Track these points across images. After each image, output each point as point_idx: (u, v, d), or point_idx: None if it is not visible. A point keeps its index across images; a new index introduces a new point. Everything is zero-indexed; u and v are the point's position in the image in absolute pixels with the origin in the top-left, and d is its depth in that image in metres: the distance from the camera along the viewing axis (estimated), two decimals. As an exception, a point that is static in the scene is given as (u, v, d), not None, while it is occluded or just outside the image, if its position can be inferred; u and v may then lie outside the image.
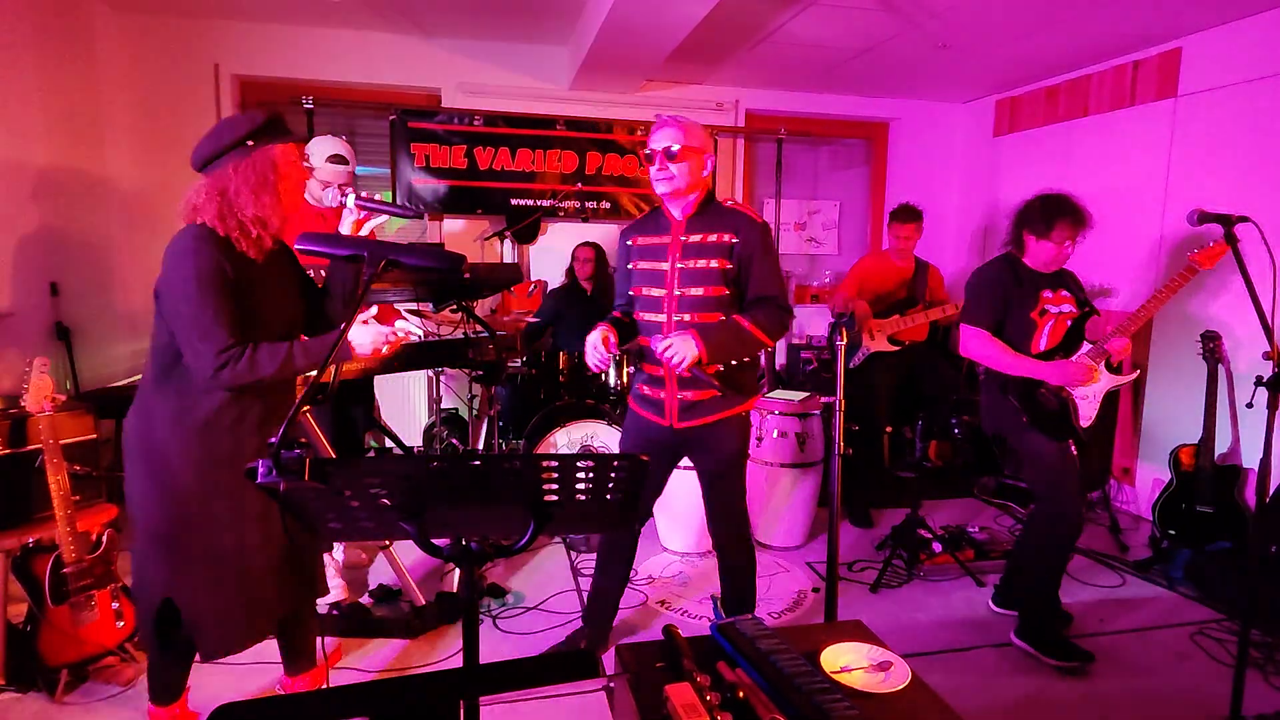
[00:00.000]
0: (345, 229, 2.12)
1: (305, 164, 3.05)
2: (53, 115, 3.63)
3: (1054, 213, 2.61)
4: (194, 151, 1.86)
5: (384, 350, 1.89)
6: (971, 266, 5.51)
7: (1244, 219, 2.17)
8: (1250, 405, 2.64)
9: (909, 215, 3.97)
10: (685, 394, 2.34)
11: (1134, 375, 2.78)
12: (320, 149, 3.04)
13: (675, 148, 2.24)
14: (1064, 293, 2.72)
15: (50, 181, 3.61)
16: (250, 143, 1.82)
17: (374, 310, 1.92)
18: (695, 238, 2.31)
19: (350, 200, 2.11)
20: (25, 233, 3.50)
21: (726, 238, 2.28)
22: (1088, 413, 2.67)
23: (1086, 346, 2.67)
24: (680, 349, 2.15)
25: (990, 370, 2.75)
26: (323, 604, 2.90)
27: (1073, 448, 2.69)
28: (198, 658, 2.02)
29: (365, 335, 1.87)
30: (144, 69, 4.17)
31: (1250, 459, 3.52)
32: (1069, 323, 2.71)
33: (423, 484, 1.10)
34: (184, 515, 1.85)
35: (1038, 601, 2.75)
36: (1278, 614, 2.86)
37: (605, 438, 3.74)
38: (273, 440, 0.98)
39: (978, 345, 2.70)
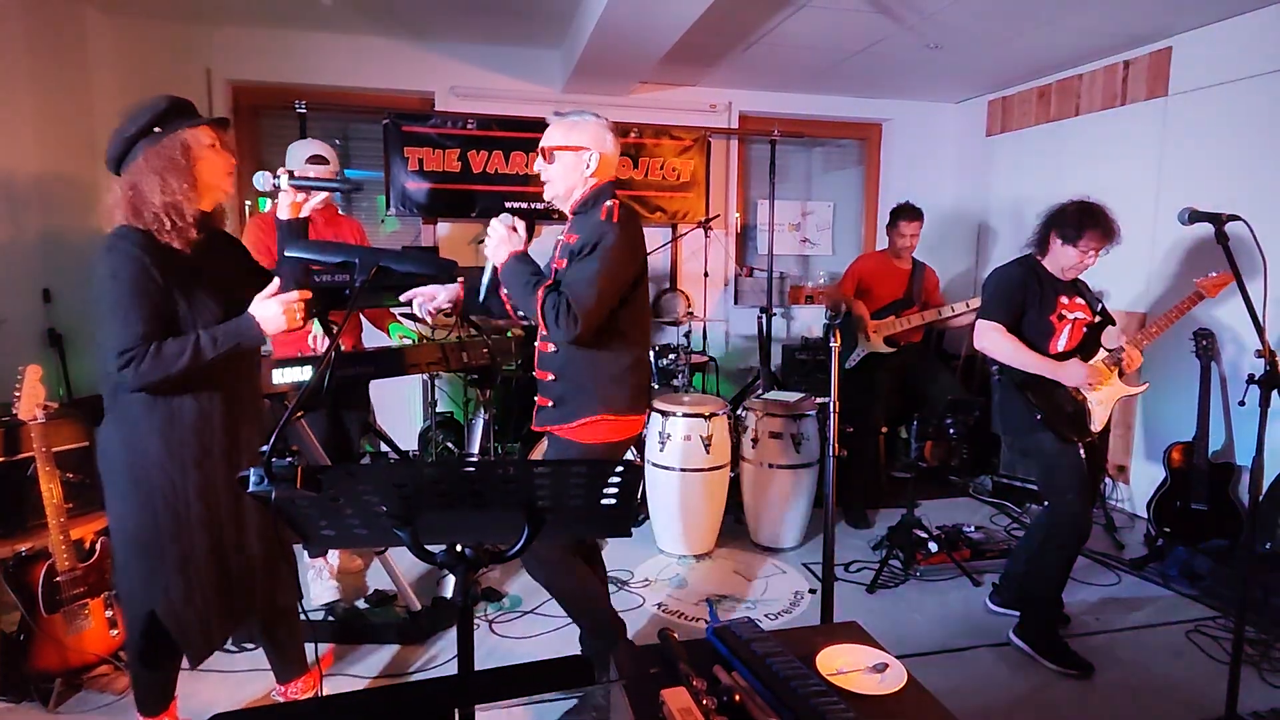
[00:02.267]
0: (283, 212, 2.02)
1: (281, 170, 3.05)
2: (44, 121, 3.62)
3: (1087, 220, 2.60)
4: (106, 154, 1.80)
5: (298, 319, 1.81)
6: (965, 267, 5.57)
7: (1235, 218, 2.17)
8: (1243, 404, 2.65)
9: (915, 213, 3.98)
10: (538, 397, 2.21)
11: (1145, 388, 2.80)
12: (299, 152, 3.03)
13: (548, 146, 2.13)
14: (1078, 300, 2.74)
15: (42, 187, 3.60)
16: (157, 129, 1.76)
17: (276, 284, 1.84)
18: (570, 240, 2.14)
19: (283, 180, 2.00)
20: (17, 239, 3.48)
21: (574, 239, 2.09)
22: (1100, 417, 2.69)
23: (1103, 353, 2.69)
24: (495, 236, 2.07)
25: (1005, 368, 2.75)
26: (318, 609, 2.90)
27: (1081, 450, 2.69)
28: (185, 664, 2.01)
29: (270, 309, 1.79)
30: (136, 74, 4.16)
31: (1244, 456, 3.54)
32: (1085, 329, 2.72)
33: (416, 490, 1.10)
34: (155, 520, 1.82)
35: (1040, 603, 2.75)
36: (1272, 611, 2.87)
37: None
38: (264, 449, 0.97)
39: (994, 340, 2.69)
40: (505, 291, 2.15)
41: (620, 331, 2.13)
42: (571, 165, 2.12)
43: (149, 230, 1.74)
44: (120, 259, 1.71)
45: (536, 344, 2.24)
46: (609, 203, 2.08)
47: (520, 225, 2.13)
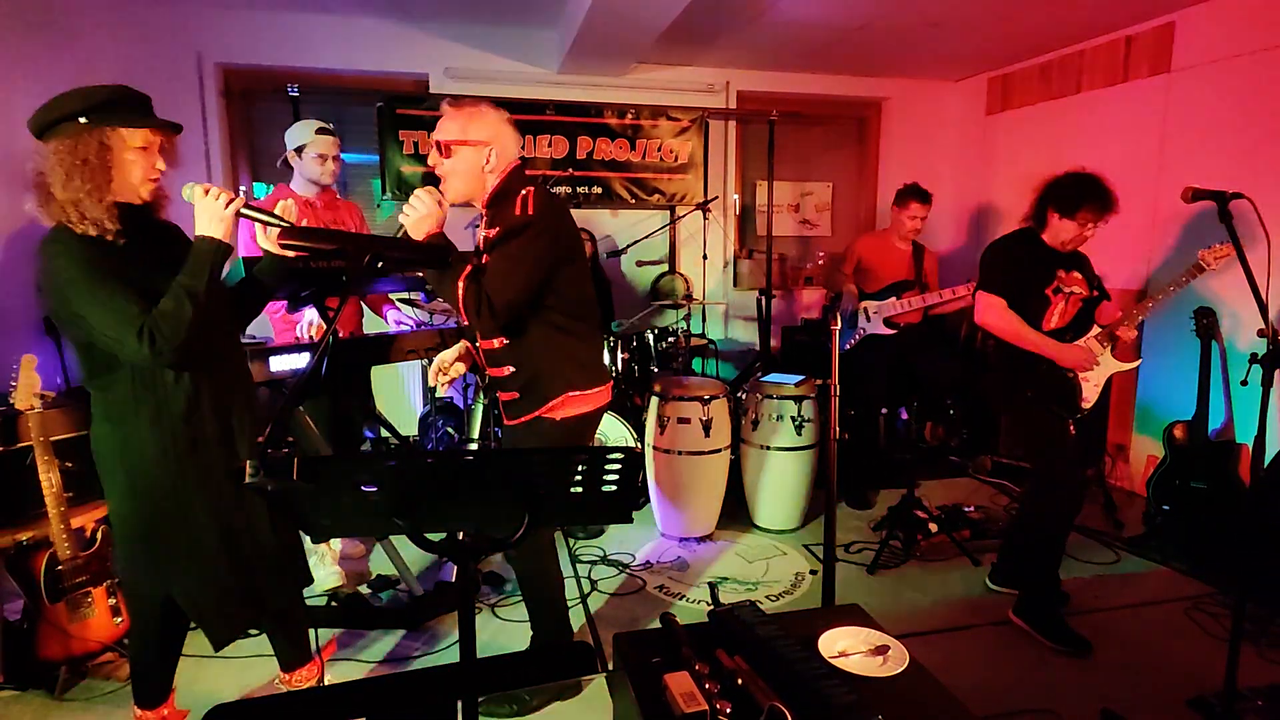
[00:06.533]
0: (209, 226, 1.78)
1: (292, 150, 3.04)
2: (35, 104, 3.57)
3: (1083, 193, 2.58)
4: (27, 122, 1.70)
5: (226, 212, 1.74)
6: (965, 246, 5.54)
7: (1238, 195, 2.15)
8: (1245, 383, 2.65)
9: (925, 196, 3.96)
10: (500, 393, 2.22)
11: (1136, 364, 2.82)
12: (304, 128, 3.02)
13: (445, 140, 2.04)
14: (1076, 274, 2.73)
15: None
16: (84, 119, 1.66)
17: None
18: (490, 232, 2.08)
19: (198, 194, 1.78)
20: (10, 226, 3.45)
21: (494, 232, 2.05)
22: (1089, 395, 2.70)
23: (1096, 329, 2.68)
24: (420, 208, 1.98)
25: (1001, 343, 2.75)
26: (321, 594, 2.91)
27: (1071, 427, 2.70)
28: (185, 653, 2.03)
29: (202, 215, 1.74)
30: (126, 57, 4.09)
31: (1244, 434, 3.54)
32: (1080, 304, 2.71)
33: (415, 479, 1.09)
34: (158, 513, 1.81)
35: (1037, 579, 2.77)
36: (1271, 587, 2.88)
37: (602, 425, 3.73)
38: (260, 440, 0.96)
39: (995, 316, 2.68)
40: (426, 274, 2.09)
41: (565, 310, 2.13)
42: (470, 160, 2.06)
43: (70, 226, 1.68)
44: (69, 259, 1.65)
45: (479, 344, 2.22)
46: (522, 192, 2.06)
47: (446, 202, 2.07)
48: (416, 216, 2.00)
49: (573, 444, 2.19)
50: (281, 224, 1.82)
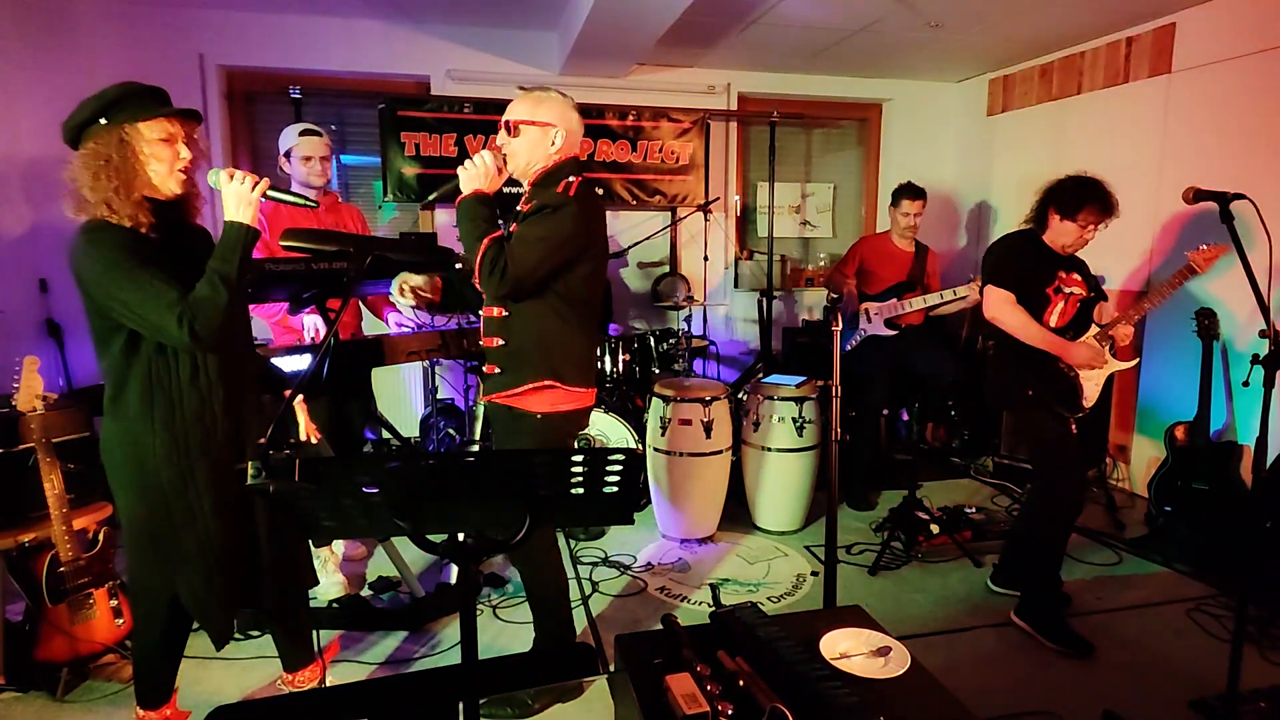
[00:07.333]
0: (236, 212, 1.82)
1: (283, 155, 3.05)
2: (38, 107, 3.58)
3: (1084, 196, 2.60)
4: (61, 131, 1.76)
5: (253, 195, 1.78)
6: (965, 247, 5.54)
7: (1240, 196, 2.15)
8: (1246, 384, 2.65)
9: (918, 192, 3.96)
10: (486, 365, 2.22)
11: (1134, 362, 2.81)
12: (290, 131, 3.04)
13: (514, 119, 2.11)
14: (1075, 275, 2.74)
15: (37, 175, 3.57)
16: (103, 120, 1.70)
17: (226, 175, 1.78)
18: (525, 208, 2.14)
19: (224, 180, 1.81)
20: (13, 228, 3.46)
21: (528, 207, 2.10)
22: (1090, 394, 2.71)
23: (1095, 329, 2.70)
24: (477, 168, 2.07)
25: (1002, 343, 2.75)
26: (323, 597, 2.91)
27: (1073, 426, 2.71)
28: (187, 654, 2.04)
29: (230, 199, 1.77)
30: (128, 59, 4.11)
31: (1245, 435, 3.54)
32: (1079, 304, 2.73)
33: (416, 481, 1.09)
34: (166, 512, 1.82)
35: (1038, 580, 2.77)
36: (1273, 589, 2.88)
37: (602, 425, 3.74)
38: (261, 441, 0.96)
39: (1006, 312, 2.68)
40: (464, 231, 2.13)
41: (569, 301, 2.14)
42: (537, 140, 2.12)
43: (105, 219, 1.70)
44: (108, 245, 1.68)
45: (482, 310, 2.23)
46: (570, 178, 2.11)
47: (505, 172, 2.14)
48: (472, 173, 2.08)
49: (553, 442, 2.19)
50: (308, 203, 1.87)
